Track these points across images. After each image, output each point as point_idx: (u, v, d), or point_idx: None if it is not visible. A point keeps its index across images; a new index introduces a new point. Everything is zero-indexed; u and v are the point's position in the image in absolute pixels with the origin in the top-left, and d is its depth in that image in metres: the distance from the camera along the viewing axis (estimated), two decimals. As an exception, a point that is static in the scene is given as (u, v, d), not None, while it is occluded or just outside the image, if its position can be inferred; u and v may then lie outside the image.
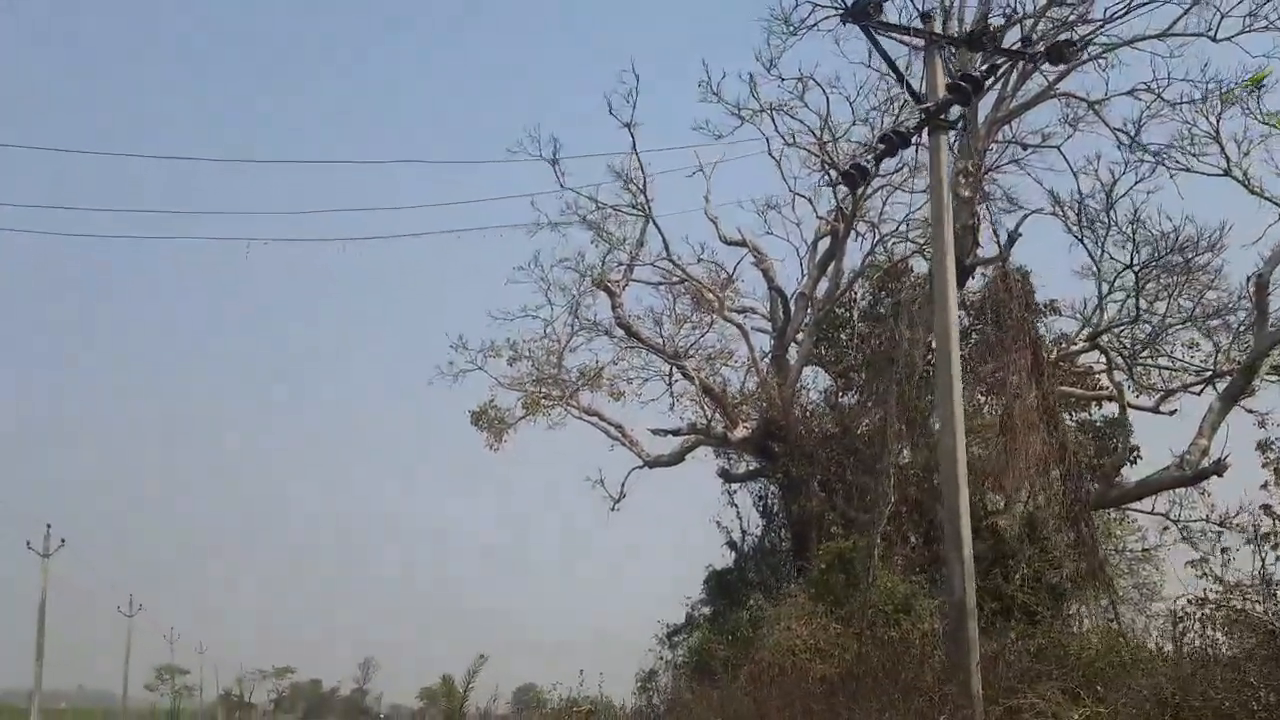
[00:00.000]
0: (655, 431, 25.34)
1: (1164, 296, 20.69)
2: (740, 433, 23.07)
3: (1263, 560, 8.32)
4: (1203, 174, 17.43)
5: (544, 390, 29.49)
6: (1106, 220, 19.18)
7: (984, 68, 13.30)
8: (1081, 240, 18.98)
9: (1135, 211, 19.19)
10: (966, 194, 23.64)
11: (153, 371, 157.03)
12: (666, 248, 25.39)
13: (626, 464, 27.72)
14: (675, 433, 24.78)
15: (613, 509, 28.20)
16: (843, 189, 23.19)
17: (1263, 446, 8.49)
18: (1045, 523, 13.45)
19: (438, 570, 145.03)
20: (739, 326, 24.28)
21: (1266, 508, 8.34)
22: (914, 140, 12.60)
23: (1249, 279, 19.70)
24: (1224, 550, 8.34)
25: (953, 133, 21.71)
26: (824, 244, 26.44)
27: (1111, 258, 19.60)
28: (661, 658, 24.52)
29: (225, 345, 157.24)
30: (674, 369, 27.14)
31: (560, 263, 28.21)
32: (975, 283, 25.30)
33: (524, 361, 29.83)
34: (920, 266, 25.47)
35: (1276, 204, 16.89)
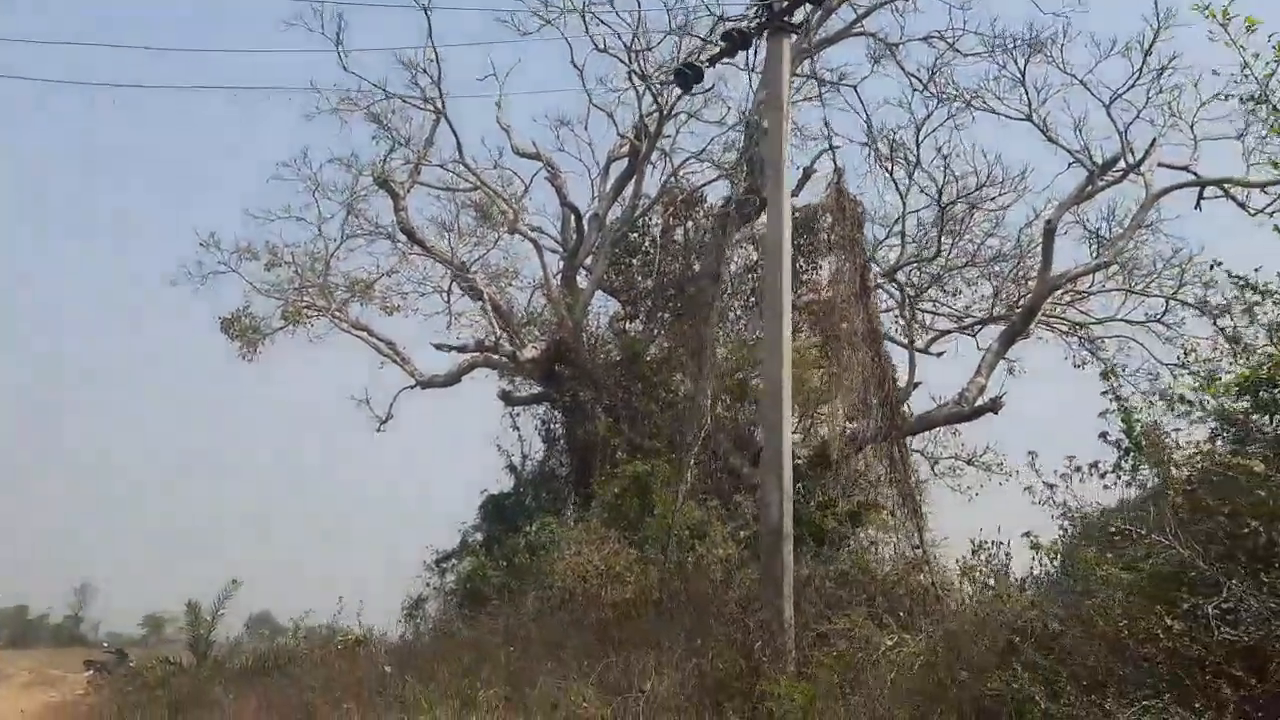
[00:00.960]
0: (439, 347, 23.89)
1: (950, 238, 21.36)
2: (529, 353, 22.06)
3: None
4: (1006, 117, 17.98)
5: (308, 299, 27.38)
6: (916, 156, 19.50)
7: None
8: (891, 174, 19.17)
9: (940, 149, 19.61)
10: (765, 125, 23.48)
11: None
12: (460, 149, 23.76)
13: (397, 383, 26.24)
14: (461, 349, 23.42)
15: (378, 430, 26.62)
16: (649, 103, 22.45)
17: (1107, 375, 8.52)
18: (851, 448, 13.38)
19: (175, 492, 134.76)
20: (533, 242, 23.13)
21: (1104, 435, 8.39)
22: (755, 41, 11.90)
23: (1021, 229, 20.73)
24: (1064, 477, 8.34)
25: (755, 65, 21.56)
26: (616, 167, 25.70)
27: (922, 191, 19.99)
28: (429, 584, 23.46)
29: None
30: (456, 283, 25.68)
31: (332, 161, 26.03)
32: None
33: (285, 267, 27.63)
34: (714, 195, 25.33)
35: (1069, 152, 17.66)
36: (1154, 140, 17.19)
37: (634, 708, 9.27)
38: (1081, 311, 21.48)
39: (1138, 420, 8.12)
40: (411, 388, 26.30)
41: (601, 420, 21.05)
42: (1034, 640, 6.71)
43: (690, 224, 24.79)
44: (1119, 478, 8.14)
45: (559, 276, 24.10)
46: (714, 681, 9.44)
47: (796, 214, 25.38)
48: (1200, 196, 17.30)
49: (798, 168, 23.47)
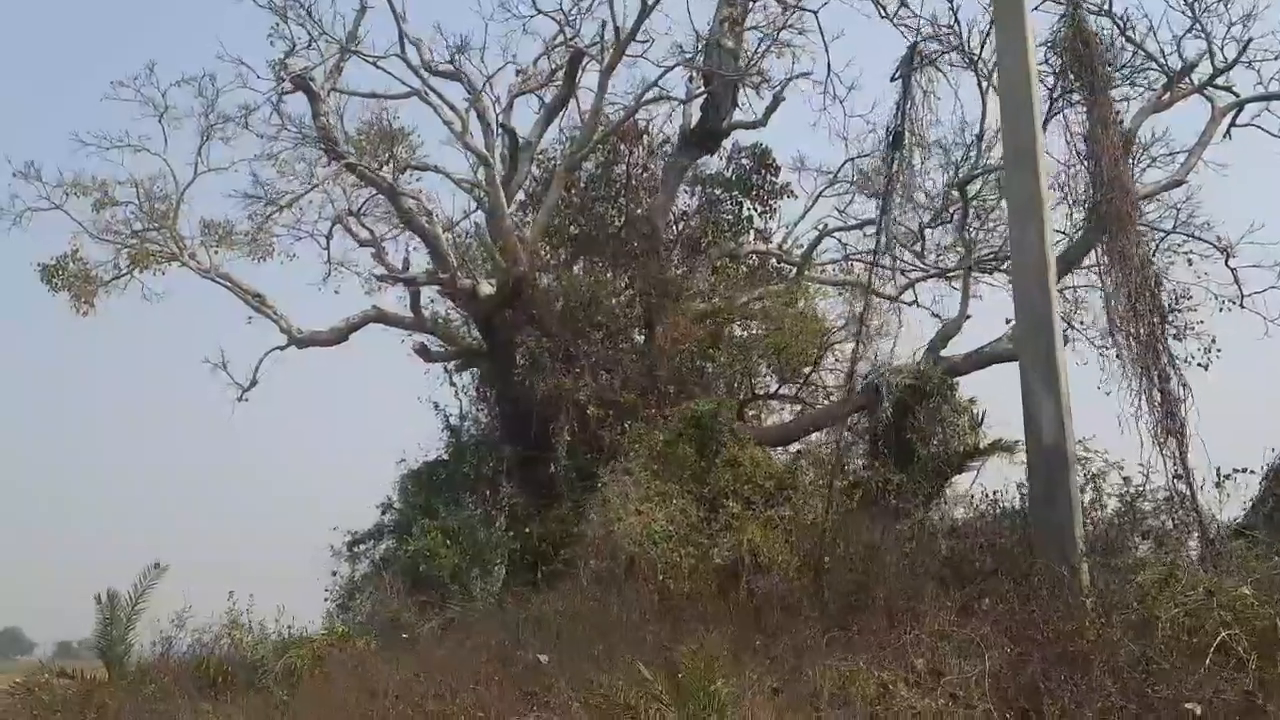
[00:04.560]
0: (381, 278, 20.17)
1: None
2: (485, 289, 18.87)
3: None
4: (1090, 9, 16.23)
5: (154, 243, 23.01)
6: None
7: None
8: (974, 66, 16.82)
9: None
10: (729, 45, 21.38)
11: None
12: (403, 41, 19.89)
13: (269, 343, 21.99)
14: (409, 281, 19.69)
15: (240, 399, 22.49)
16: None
17: None
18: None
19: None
20: (484, 161, 19.65)
21: None
22: None
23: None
24: None
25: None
26: (521, 103, 22.41)
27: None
28: (334, 573, 19.72)
29: None
30: (345, 221, 21.80)
31: (181, 82, 21.45)
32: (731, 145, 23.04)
33: (118, 207, 23.13)
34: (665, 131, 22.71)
35: (1146, 53, 16.24)
36: (1248, 42, 16.10)
37: (958, 694, 6.97)
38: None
39: None
40: (283, 348, 22.36)
41: (568, 371, 18.20)
42: None
43: (631, 161, 22.21)
44: None
45: (484, 213, 20.85)
46: (1051, 657, 7.22)
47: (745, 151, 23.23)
48: (1232, 123, 16.66)
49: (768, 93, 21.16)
